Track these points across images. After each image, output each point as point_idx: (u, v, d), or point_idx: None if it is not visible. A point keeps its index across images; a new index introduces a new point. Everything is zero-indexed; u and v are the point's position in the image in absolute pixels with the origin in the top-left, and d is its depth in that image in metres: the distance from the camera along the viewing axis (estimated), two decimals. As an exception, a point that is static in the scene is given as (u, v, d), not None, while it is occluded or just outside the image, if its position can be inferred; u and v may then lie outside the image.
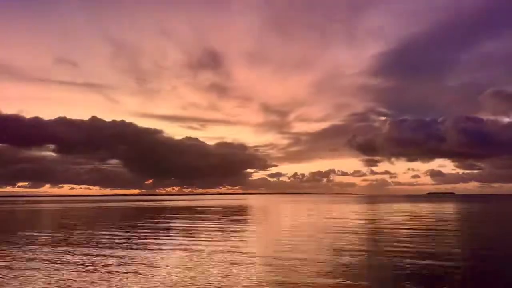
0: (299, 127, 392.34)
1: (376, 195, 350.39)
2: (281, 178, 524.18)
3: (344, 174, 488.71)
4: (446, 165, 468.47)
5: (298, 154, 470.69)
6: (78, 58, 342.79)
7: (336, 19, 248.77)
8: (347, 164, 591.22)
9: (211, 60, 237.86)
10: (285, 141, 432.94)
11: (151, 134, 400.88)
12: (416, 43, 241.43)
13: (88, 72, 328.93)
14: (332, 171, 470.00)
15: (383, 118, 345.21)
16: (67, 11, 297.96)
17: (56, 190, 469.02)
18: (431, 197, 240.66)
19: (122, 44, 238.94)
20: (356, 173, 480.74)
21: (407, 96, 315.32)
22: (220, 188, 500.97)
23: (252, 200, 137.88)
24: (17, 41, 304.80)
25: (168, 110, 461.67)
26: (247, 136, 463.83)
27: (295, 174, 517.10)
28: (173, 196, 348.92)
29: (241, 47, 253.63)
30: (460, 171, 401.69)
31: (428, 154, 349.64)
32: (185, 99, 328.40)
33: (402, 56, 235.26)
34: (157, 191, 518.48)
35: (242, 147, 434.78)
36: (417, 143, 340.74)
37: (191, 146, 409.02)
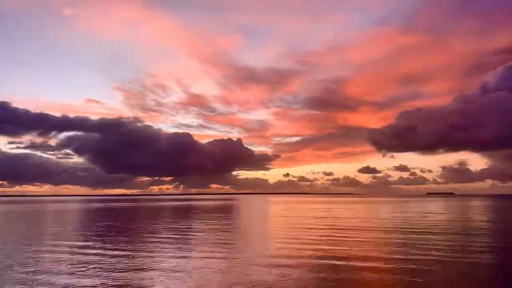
0: (279, 140, 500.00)
1: (375, 195, 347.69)
2: (276, 179, 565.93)
3: (340, 174, 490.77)
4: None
5: (288, 159, 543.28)
6: (102, 98, 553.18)
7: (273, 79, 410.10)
8: (344, 166, 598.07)
9: (196, 101, 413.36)
10: (271, 149, 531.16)
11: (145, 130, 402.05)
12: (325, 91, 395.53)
13: (109, 108, 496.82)
14: (329, 172, 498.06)
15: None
16: (94, 70, 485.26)
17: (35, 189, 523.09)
18: (430, 197, 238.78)
19: (131, 91, 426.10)
20: (352, 173, 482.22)
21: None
22: (211, 188, 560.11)
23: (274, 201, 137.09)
24: (61, 89, 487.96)
25: (166, 127, 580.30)
26: (237, 146, 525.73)
27: (288, 174, 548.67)
28: (169, 196, 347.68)
29: (214, 93, 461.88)
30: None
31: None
32: (180, 121, 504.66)
33: (321, 98, 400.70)
34: (147, 190, 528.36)
35: (236, 145, 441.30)
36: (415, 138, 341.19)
37: (184, 142, 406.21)
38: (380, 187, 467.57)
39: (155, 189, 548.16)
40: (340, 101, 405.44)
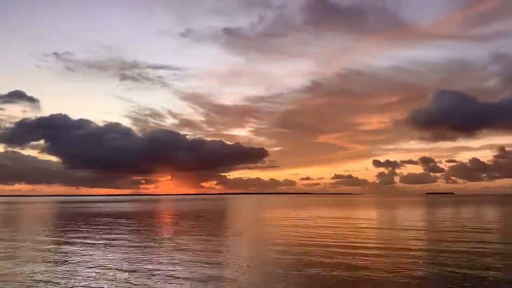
0: (266, 149, 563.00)
1: (376, 195, 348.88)
2: (272, 179, 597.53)
3: (336, 175, 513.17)
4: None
5: (282, 163, 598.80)
6: (115, 119, 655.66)
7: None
8: (338, 168, 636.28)
9: (186, 123, 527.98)
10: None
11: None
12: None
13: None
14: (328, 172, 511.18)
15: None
16: (107, 92, 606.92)
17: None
18: (429, 197, 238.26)
19: (136, 117, 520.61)
20: (351, 173, 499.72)
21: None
22: (204, 187, 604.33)
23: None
24: (75, 104, 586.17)
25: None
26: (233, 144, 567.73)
27: (284, 175, 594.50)
28: (159, 197, 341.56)
29: (201, 117, 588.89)
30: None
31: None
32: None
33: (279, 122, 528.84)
34: (140, 190, 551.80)
35: (234, 144, 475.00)
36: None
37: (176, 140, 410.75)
38: (382, 186, 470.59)
39: (143, 187, 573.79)
40: (307, 126, 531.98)
